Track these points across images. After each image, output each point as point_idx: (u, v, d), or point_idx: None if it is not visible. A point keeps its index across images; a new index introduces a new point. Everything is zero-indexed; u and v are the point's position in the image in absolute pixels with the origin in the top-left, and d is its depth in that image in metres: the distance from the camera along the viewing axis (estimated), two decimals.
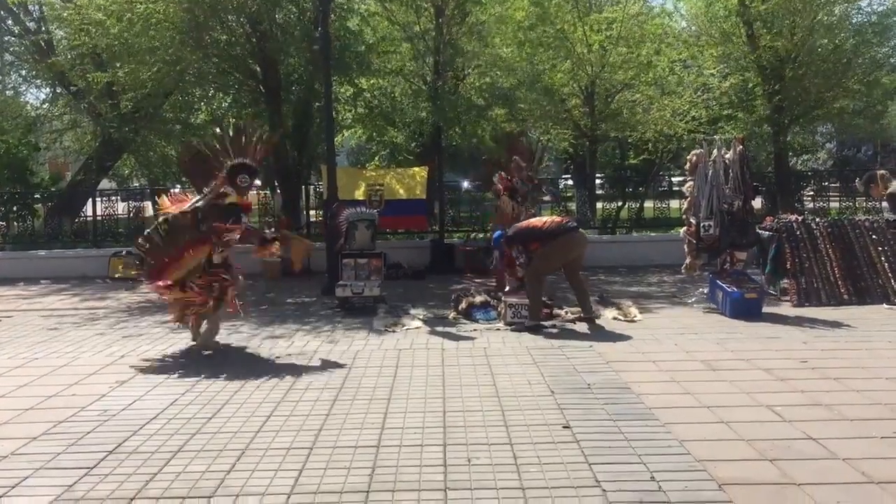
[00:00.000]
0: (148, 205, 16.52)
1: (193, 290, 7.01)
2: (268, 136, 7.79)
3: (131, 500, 3.72)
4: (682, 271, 9.32)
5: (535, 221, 8.30)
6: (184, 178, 7.31)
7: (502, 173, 9.97)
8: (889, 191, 9.02)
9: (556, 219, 8.40)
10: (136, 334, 7.95)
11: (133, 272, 7.13)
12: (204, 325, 7.29)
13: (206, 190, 7.15)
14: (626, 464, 4.03)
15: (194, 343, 7.30)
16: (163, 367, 6.49)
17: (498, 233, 8.69)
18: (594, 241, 13.55)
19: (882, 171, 9.40)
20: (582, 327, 7.79)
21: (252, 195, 7.27)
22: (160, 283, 6.94)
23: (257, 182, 7.26)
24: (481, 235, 13.67)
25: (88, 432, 4.75)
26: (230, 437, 4.60)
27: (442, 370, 6.12)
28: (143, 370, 6.36)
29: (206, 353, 7.04)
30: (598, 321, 7.92)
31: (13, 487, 3.90)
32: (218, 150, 7.21)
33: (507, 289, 9.27)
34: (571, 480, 3.82)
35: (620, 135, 16.89)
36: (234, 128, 7.62)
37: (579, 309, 8.10)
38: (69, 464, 4.22)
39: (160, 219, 7.26)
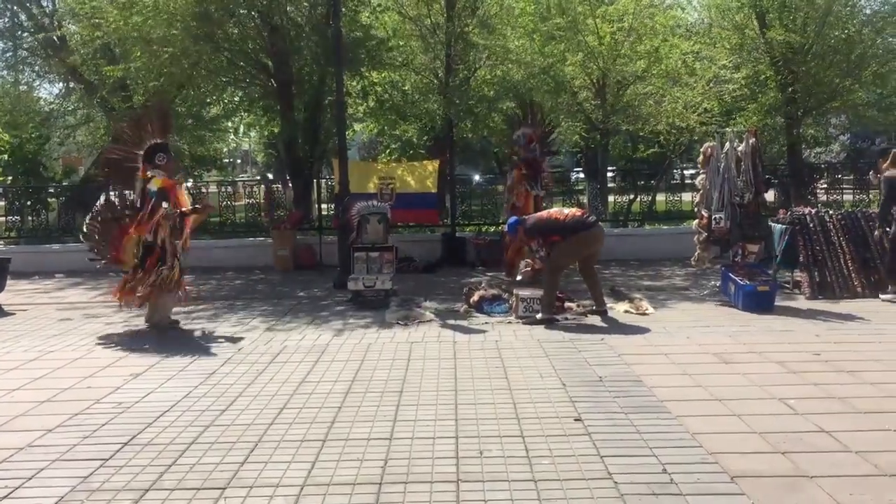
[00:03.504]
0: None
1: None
2: (160, 105, 8.57)
3: (146, 491, 3.75)
4: (692, 263, 9.29)
5: (556, 213, 8.25)
6: (112, 185, 8.02)
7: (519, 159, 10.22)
8: (887, 174, 8.86)
9: (576, 212, 8.33)
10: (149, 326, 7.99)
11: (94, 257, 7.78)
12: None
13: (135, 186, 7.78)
14: (637, 456, 4.03)
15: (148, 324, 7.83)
16: (176, 359, 6.53)
17: (513, 219, 8.62)
18: (606, 233, 13.55)
19: None
20: (594, 320, 7.79)
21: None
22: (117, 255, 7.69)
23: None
24: (493, 229, 13.70)
25: (103, 424, 4.79)
26: (243, 429, 4.63)
27: (454, 363, 6.13)
28: (156, 363, 6.41)
29: (153, 329, 7.69)
30: (609, 314, 7.91)
31: (29, 479, 3.94)
32: (132, 141, 7.76)
33: (518, 278, 9.30)
34: (583, 473, 3.83)
35: (632, 127, 16.81)
36: (134, 117, 8.40)
37: (591, 302, 8.11)
38: (84, 456, 4.25)
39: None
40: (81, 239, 8.01)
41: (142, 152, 7.63)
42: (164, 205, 7.52)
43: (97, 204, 7.93)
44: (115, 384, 5.73)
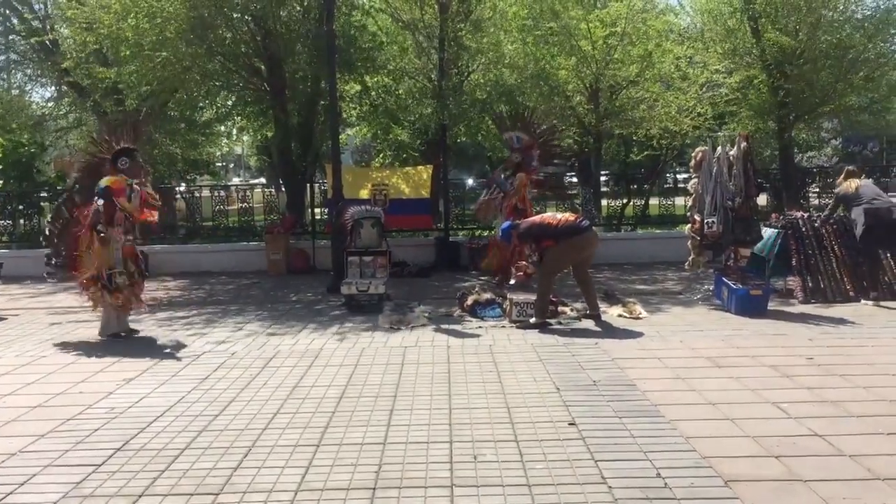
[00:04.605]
0: None
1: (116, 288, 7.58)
2: (135, 120, 8.68)
3: (139, 497, 3.74)
4: (686, 267, 9.32)
5: (549, 218, 8.20)
6: (83, 192, 8.09)
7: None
8: (836, 189, 9.16)
9: (569, 217, 8.22)
10: (142, 332, 7.96)
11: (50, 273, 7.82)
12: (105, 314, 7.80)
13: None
14: (631, 461, 4.03)
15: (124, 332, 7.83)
16: (168, 364, 6.51)
17: (506, 224, 8.61)
18: (599, 237, 13.56)
19: (852, 168, 9.42)
20: (587, 324, 7.80)
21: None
22: (77, 273, 7.68)
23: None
24: (486, 233, 13.69)
25: (96, 430, 4.77)
26: (237, 434, 4.62)
27: (447, 367, 6.13)
28: (149, 368, 6.38)
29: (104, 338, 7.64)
30: (603, 318, 7.92)
31: (22, 485, 3.92)
32: (104, 149, 7.94)
33: (511, 282, 9.30)
34: (577, 477, 3.83)
35: (625, 131, 16.86)
36: (107, 130, 8.48)
37: (584, 306, 8.11)
38: (77, 461, 4.24)
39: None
40: (42, 241, 8.06)
41: (109, 157, 7.81)
42: (99, 202, 7.50)
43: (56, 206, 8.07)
44: (108, 389, 5.71)
